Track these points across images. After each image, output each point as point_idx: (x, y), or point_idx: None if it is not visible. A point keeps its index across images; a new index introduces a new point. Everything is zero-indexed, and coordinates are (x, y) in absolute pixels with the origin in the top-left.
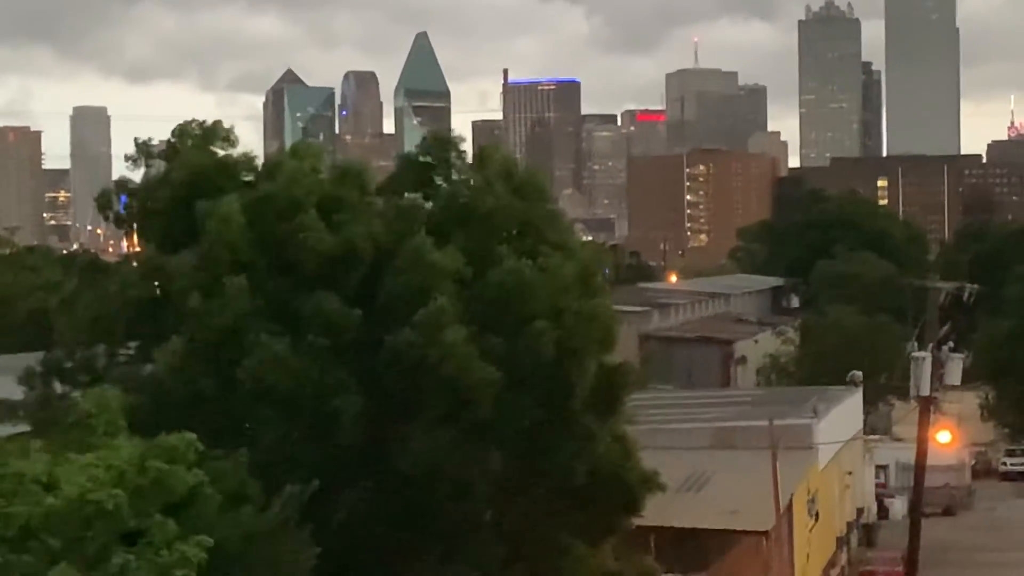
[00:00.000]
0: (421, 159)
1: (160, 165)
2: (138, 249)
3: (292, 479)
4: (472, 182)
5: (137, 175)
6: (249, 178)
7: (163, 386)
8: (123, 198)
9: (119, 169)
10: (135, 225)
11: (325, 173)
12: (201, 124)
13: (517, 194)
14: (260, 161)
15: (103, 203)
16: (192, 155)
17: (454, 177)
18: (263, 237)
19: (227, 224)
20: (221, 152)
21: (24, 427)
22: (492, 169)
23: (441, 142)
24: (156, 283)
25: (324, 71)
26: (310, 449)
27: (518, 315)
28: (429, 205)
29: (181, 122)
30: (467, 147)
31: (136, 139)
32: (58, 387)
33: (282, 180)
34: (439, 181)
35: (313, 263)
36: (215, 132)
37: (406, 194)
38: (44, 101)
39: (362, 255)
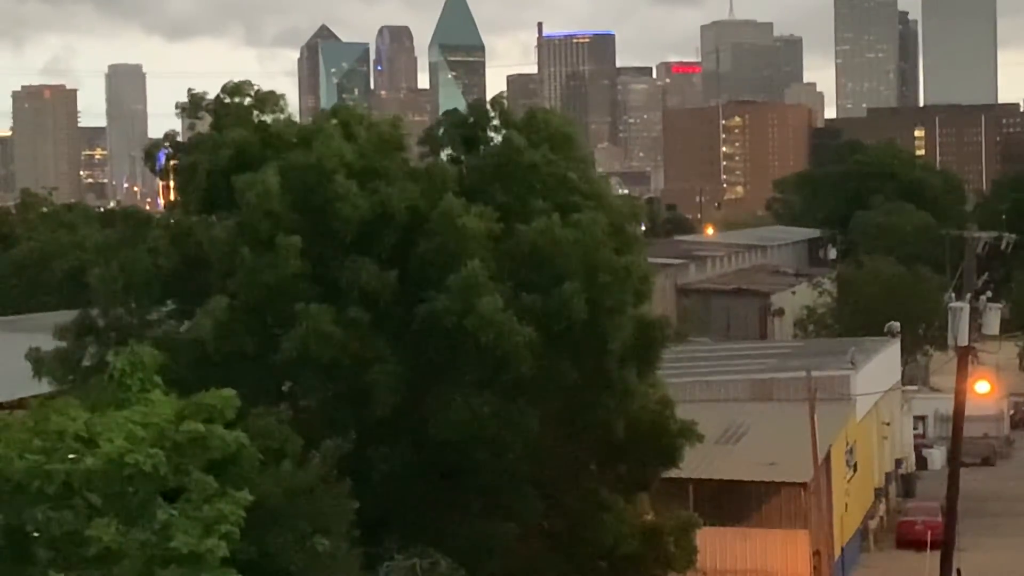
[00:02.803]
0: (469, 120)
1: (206, 120)
2: (173, 199)
3: (331, 438)
4: (512, 139)
5: (178, 126)
6: (292, 140)
7: (204, 345)
8: (160, 155)
9: (155, 126)
10: (175, 182)
11: (364, 135)
12: (252, 87)
13: (555, 151)
14: (297, 120)
15: (149, 155)
16: (240, 127)
17: (492, 136)
18: (300, 204)
19: (267, 197)
20: (269, 119)
21: (58, 385)
22: (534, 127)
23: (484, 105)
24: (191, 246)
25: (362, 26)
26: (348, 412)
27: (551, 273)
28: (465, 163)
29: (232, 81)
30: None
31: (189, 89)
32: (91, 346)
33: (315, 151)
34: (482, 134)
35: (349, 229)
36: (268, 100)
37: (442, 154)
38: (85, 59)
39: (397, 218)
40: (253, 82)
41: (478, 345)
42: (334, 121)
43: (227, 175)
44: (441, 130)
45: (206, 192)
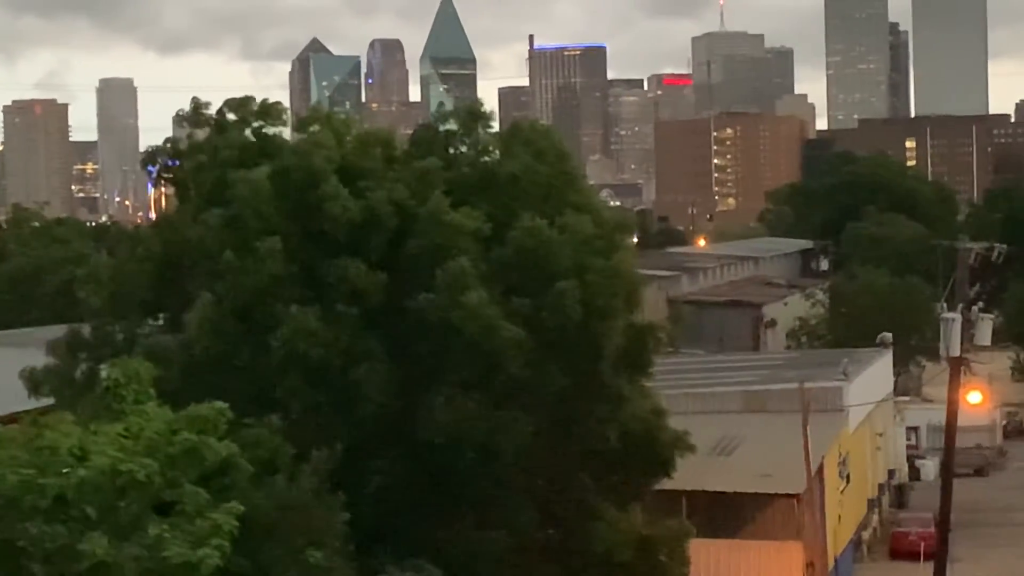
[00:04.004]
0: (443, 127)
1: (203, 132)
2: (167, 208)
3: (321, 447)
4: (496, 149)
5: (170, 141)
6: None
7: (193, 353)
8: (151, 169)
9: (146, 140)
10: (173, 187)
11: (350, 139)
12: (255, 103)
13: (538, 159)
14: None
15: (150, 159)
16: (240, 135)
17: (478, 143)
18: (291, 206)
19: (256, 190)
20: (272, 130)
21: (51, 399)
22: (517, 138)
23: (469, 112)
24: (178, 245)
25: (354, 39)
26: (339, 418)
27: (541, 276)
28: (449, 171)
29: (237, 96)
30: (492, 112)
31: (194, 98)
32: (83, 362)
33: (303, 152)
34: (462, 148)
35: (338, 231)
36: (271, 112)
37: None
38: (80, 74)
39: (385, 221)
40: (254, 97)
41: (466, 342)
42: (314, 128)
43: (226, 178)
44: (441, 126)
45: (207, 194)
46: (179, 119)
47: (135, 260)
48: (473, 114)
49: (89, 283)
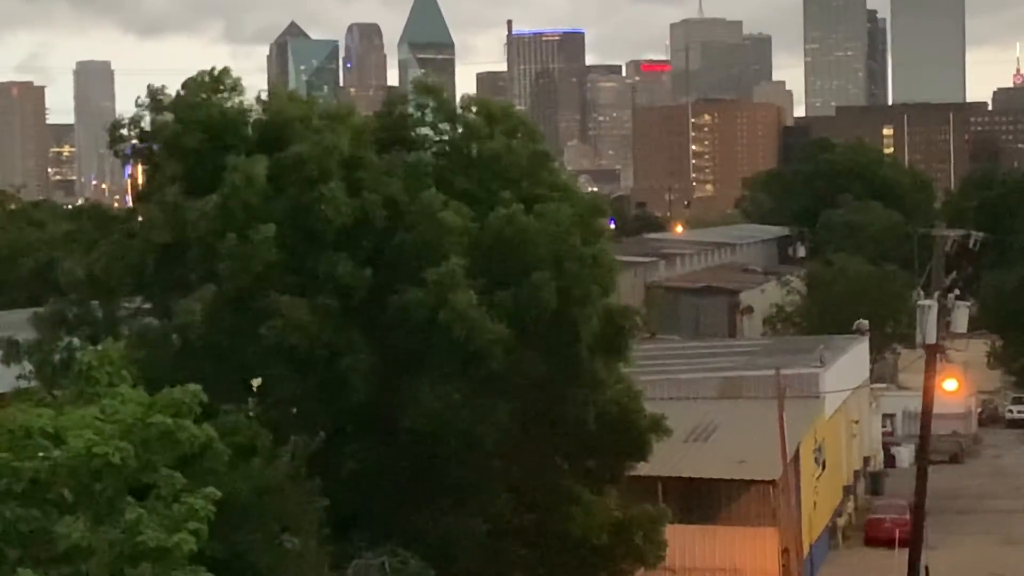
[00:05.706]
0: (405, 108)
1: (167, 115)
2: (144, 182)
3: (302, 433)
4: (471, 128)
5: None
6: (249, 132)
7: (188, 339)
8: (127, 152)
9: None
10: (141, 167)
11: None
12: (210, 74)
13: (509, 136)
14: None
15: (113, 136)
16: (200, 109)
17: (460, 124)
18: (286, 198)
19: (249, 182)
20: (227, 103)
21: (30, 380)
22: (484, 116)
23: (425, 89)
24: (178, 226)
25: (332, 24)
26: (321, 405)
27: (520, 264)
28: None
29: (194, 74)
30: (443, 86)
31: (149, 85)
32: (62, 340)
33: (317, 145)
34: (425, 130)
35: (330, 232)
36: (221, 79)
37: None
38: (59, 56)
39: (376, 223)
40: (210, 71)
41: (450, 339)
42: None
43: (197, 157)
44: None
45: (203, 178)
46: (139, 105)
47: (120, 238)
48: (430, 91)
49: (71, 256)
